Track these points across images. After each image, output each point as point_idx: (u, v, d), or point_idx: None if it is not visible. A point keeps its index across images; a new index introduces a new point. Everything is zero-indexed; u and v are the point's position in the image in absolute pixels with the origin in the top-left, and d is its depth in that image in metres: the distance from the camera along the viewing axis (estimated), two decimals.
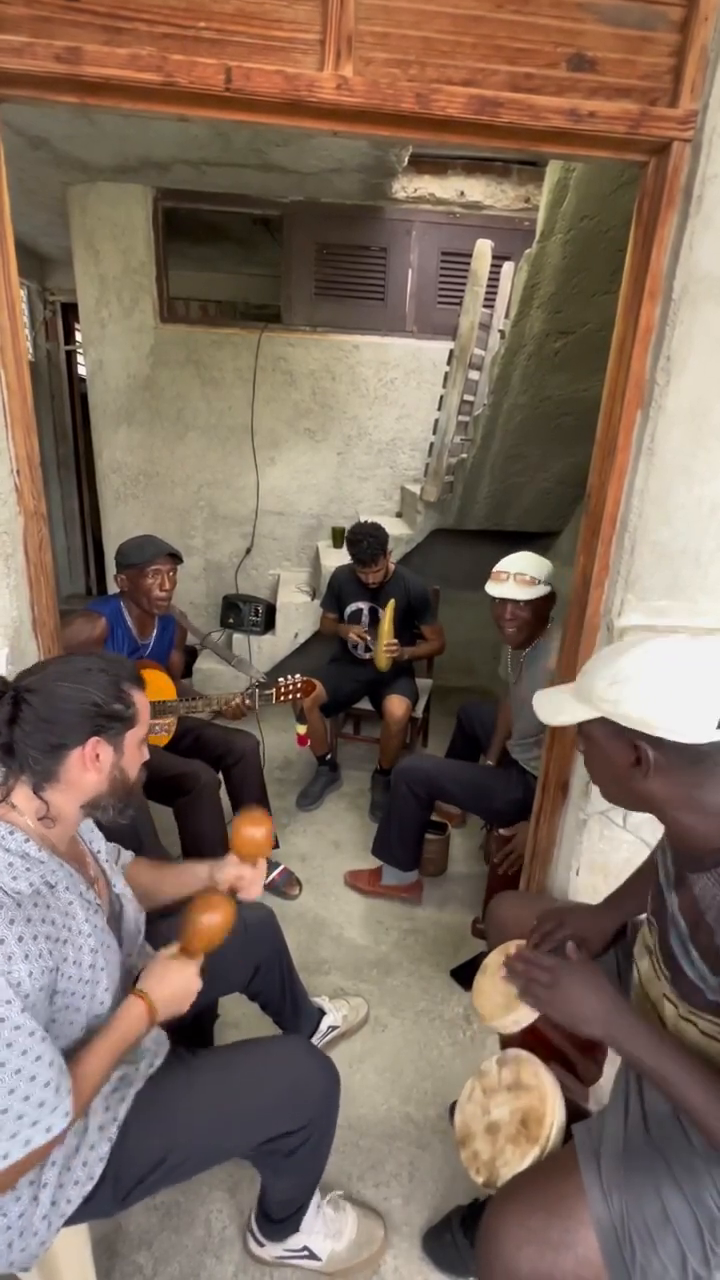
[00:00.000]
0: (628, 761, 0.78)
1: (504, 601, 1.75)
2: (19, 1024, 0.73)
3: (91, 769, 0.87)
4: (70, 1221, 0.86)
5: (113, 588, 1.91)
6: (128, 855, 1.15)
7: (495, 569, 1.78)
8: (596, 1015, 0.80)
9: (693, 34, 1.01)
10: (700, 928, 0.79)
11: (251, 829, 1.09)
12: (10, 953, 0.74)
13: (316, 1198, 1.15)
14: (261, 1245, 1.16)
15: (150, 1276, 1.15)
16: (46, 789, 0.86)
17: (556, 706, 0.85)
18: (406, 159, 2.70)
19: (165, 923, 1.13)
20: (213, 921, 0.96)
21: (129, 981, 0.98)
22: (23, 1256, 0.83)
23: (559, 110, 1.03)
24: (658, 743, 0.74)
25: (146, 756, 0.97)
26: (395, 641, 2.40)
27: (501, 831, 1.86)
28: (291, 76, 1.00)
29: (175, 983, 0.93)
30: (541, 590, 1.72)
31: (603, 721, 0.79)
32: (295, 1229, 1.13)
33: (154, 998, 0.90)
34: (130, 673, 0.93)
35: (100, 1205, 0.88)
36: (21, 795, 0.85)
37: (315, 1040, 1.51)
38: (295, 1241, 1.14)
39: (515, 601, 1.73)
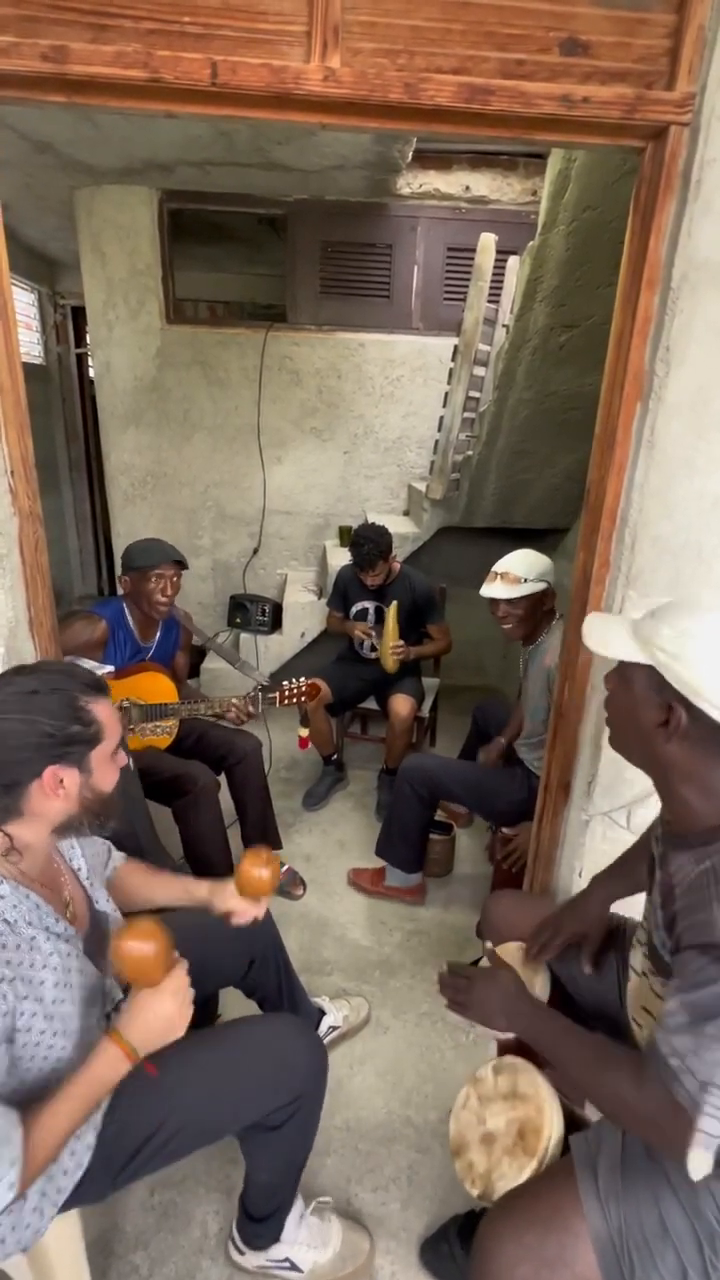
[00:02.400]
0: (655, 719, 0.76)
1: (495, 600, 1.75)
2: None
3: (55, 797, 0.81)
4: (64, 1206, 0.86)
5: (121, 590, 1.92)
6: (119, 856, 1.15)
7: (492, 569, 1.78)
8: (501, 1010, 0.89)
9: (689, 14, 0.98)
10: (670, 899, 0.79)
11: (258, 870, 1.04)
12: None
13: (300, 1206, 1.13)
14: (242, 1253, 1.14)
15: (146, 1276, 1.15)
16: (10, 823, 0.81)
17: (606, 636, 0.81)
18: (410, 154, 2.67)
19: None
20: (140, 951, 0.82)
21: (108, 1000, 0.96)
22: (14, 1247, 0.83)
23: (551, 96, 1.00)
24: (695, 711, 0.72)
25: (124, 763, 0.92)
26: (401, 643, 2.39)
27: (505, 831, 1.84)
28: (278, 69, 0.98)
29: (148, 1016, 0.82)
30: (529, 588, 1.71)
31: (649, 670, 0.76)
32: (277, 1237, 1.11)
33: (129, 1037, 0.81)
34: (86, 683, 0.86)
35: (92, 1187, 0.88)
36: None
37: None
38: (277, 1252, 1.12)
39: (504, 600, 1.73)
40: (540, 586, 1.72)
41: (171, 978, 0.84)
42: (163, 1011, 0.83)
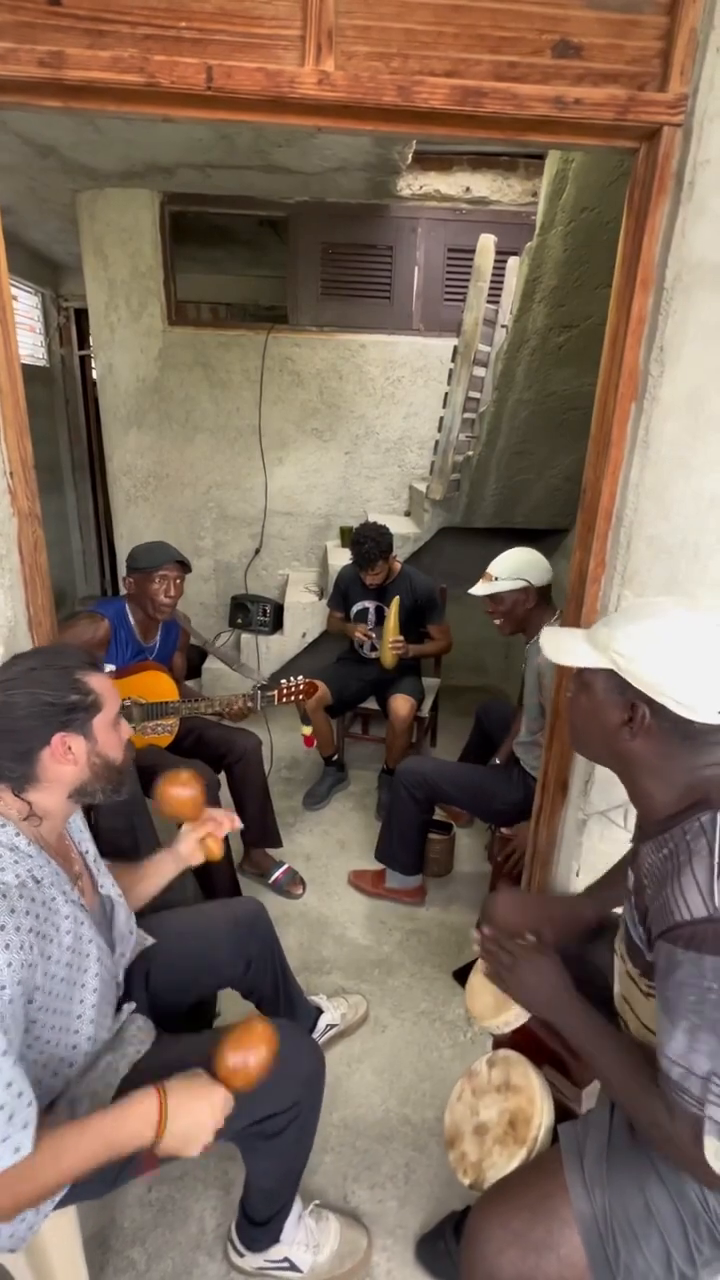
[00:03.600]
0: (619, 719, 0.78)
1: (483, 598, 1.80)
2: None
3: (66, 762, 0.87)
4: (62, 1203, 0.87)
5: (125, 590, 1.94)
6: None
7: None
8: (542, 994, 0.90)
9: (681, 16, 0.98)
10: (641, 891, 0.80)
11: (175, 789, 1.11)
12: None
13: (298, 1206, 1.13)
14: (242, 1255, 1.14)
15: (143, 1272, 1.16)
16: (28, 790, 0.87)
17: (564, 646, 0.84)
18: (410, 156, 2.68)
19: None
20: (251, 1062, 0.83)
21: (117, 988, 0.98)
22: (11, 1241, 0.84)
23: (543, 98, 1.01)
24: (657, 708, 0.75)
25: (129, 733, 0.98)
26: (401, 639, 2.39)
27: (504, 831, 1.84)
28: (273, 73, 0.99)
29: (200, 1106, 0.80)
30: (500, 586, 1.74)
31: (609, 674, 0.79)
32: (276, 1238, 1.11)
33: (171, 1106, 0.78)
34: (80, 660, 0.92)
35: (91, 1186, 0.88)
36: (5, 798, 0.87)
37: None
38: (276, 1253, 1.12)
39: (484, 596, 1.78)
40: (515, 585, 1.74)
41: (219, 1091, 0.82)
42: (210, 1107, 0.80)
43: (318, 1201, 1.22)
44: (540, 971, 0.92)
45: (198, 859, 1.17)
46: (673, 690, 0.73)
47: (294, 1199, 1.12)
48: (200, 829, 1.17)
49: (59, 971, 0.84)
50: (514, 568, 1.75)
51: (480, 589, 1.79)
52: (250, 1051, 0.84)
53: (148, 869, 1.17)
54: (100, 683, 0.92)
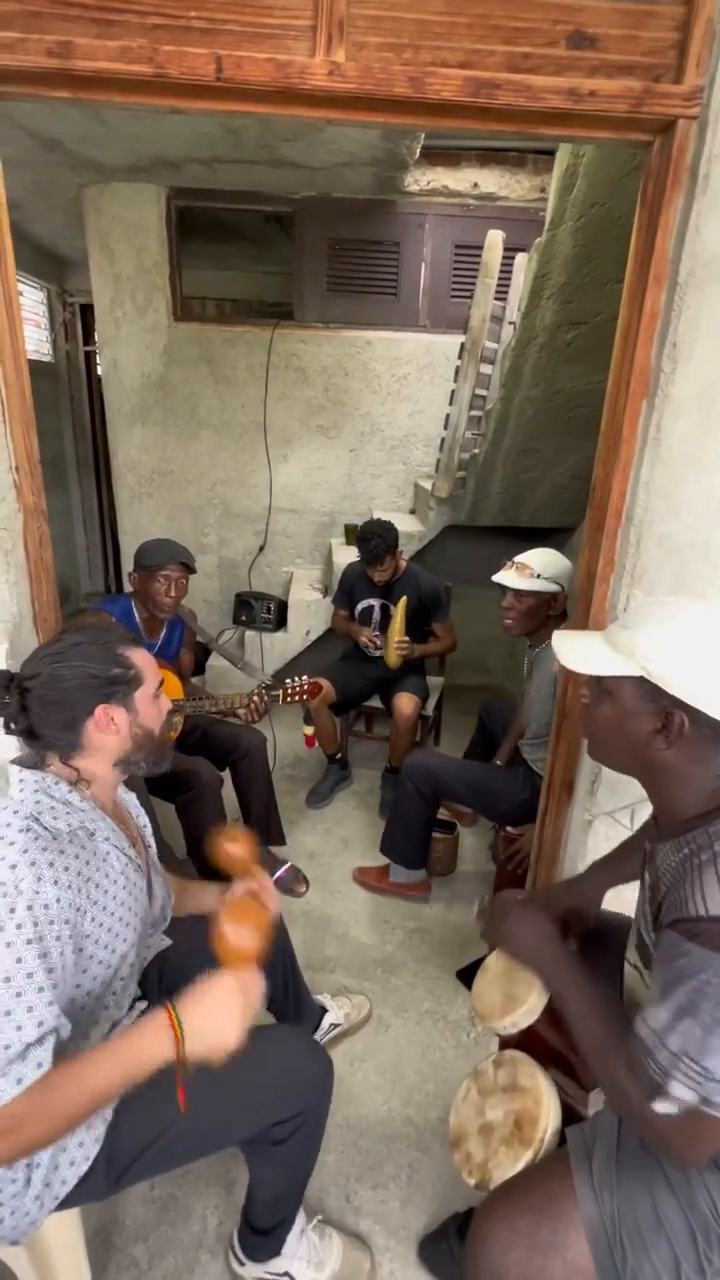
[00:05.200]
0: (651, 728, 0.75)
1: (504, 589, 1.73)
2: (20, 957, 0.74)
3: (109, 732, 0.91)
4: (64, 1204, 0.87)
5: (130, 586, 1.93)
6: None
7: None
8: (528, 944, 0.93)
9: (698, 6, 0.97)
10: (657, 890, 0.80)
11: (229, 845, 1.07)
12: (40, 874, 0.78)
13: (301, 1220, 1.12)
14: (242, 1264, 1.12)
15: (145, 1270, 1.16)
16: (74, 758, 0.91)
17: (584, 654, 0.81)
18: (418, 151, 2.66)
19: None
20: (240, 940, 0.87)
21: (147, 953, 1.01)
22: (11, 1234, 0.84)
23: (557, 90, 0.99)
24: (695, 715, 0.72)
25: (168, 707, 1.01)
26: (406, 639, 2.38)
27: (509, 830, 1.83)
28: (283, 64, 0.98)
29: (214, 1010, 0.79)
30: (539, 584, 1.68)
31: (637, 681, 0.75)
32: (277, 1250, 1.10)
33: (185, 1021, 0.78)
34: (121, 636, 0.95)
35: (94, 1187, 0.88)
36: (55, 765, 0.91)
37: (317, 1038, 1.50)
38: (277, 1266, 1.11)
39: (512, 590, 1.71)
40: (551, 587, 1.69)
41: (250, 976, 0.84)
42: (227, 1006, 0.80)
43: (320, 1217, 1.20)
44: (526, 922, 0.95)
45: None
46: (706, 692, 0.70)
47: (297, 1210, 1.10)
48: (248, 884, 1.10)
49: (106, 920, 0.87)
50: (555, 568, 1.69)
51: (512, 580, 1.70)
52: (245, 926, 0.88)
53: (191, 889, 1.20)
54: (142, 658, 0.96)
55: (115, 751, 0.94)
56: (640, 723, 0.76)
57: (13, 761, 0.91)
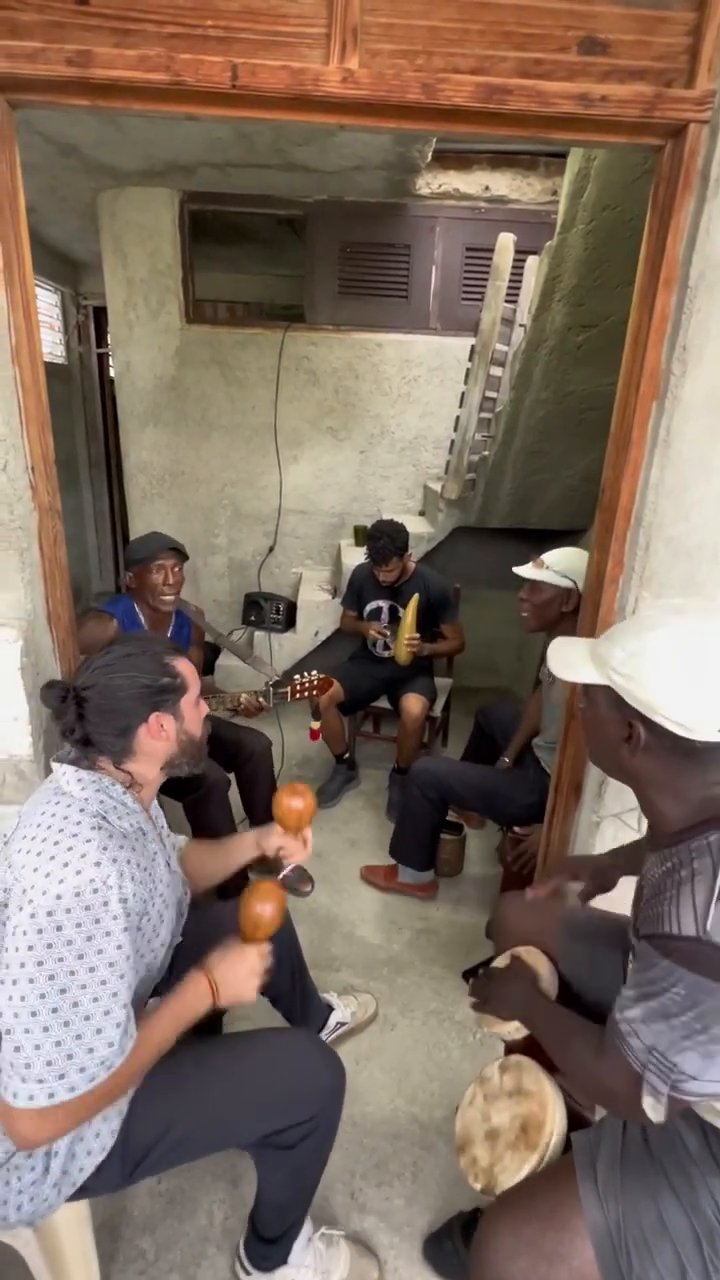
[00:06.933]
0: (620, 735, 0.78)
1: (522, 582, 1.75)
2: (120, 944, 0.82)
3: (160, 739, 0.96)
4: (80, 1194, 0.89)
5: (128, 586, 1.93)
6: (180, 838, 1.22)
7: None
8: (514, 1001, 0.98)
9: (710, 11, 0.97)
10: (639, 900, 0.82)
11: (292, 799, 1.16)
12: (122, 871, 0.83)
13: (308, 1229, 1.11)
14: (249, 1274, 1.11)
15: (152, 1261, 1.17)
16: (126, 762, 0.95)
17: (569, 661, 0.84)
18: (430, 154, 2.68)
19: (223, 906, 1.25)
20: (265, 911, 1.02)
21: (174, 943, 1.06)
22: (29, 1217, 0.86)
23: (569, 95, 1.00)
24: (654, 727, 0.74)
25: (206, 710, 1.05)
26: (417, 636, 2.39)
27: (516, 830, 1.83)
28: (297, 71, 1.00)
29: (237, 967, 0.97)
30: (549, 576, 1.69)
31: (608, 690, 0.78)
32: (284, 1259, 1.09)
33: (216, 977, 0.95)
34: (166, 646, 1.01)
35: (108, 1178, 0.90)
36: (109, 769, 0.95)
37: (323, 1036, 1.51)
38: (283, 1275, 1.10)
39: (528, 582, 1.73)
40: (563, 582, 1.69)
41: (262, 946, 1.00)
42: (246, 965, 0.98)
43: (325, 1227, 1.19)
44: (510, 983, 1.01)
45: (270, 853, 1.22)
46: (668, 709, 0.71)
47: (305, 1218, 1.10)
48: (289, 838, 1.20)
49: (155, 914, 0.95)
50: (569, 565, 1.70)
51: (528, 571, 1.73)
52: (262, 905, 1.01)
53: (231, 844, 1.25)
54: (185, 666, 1.01)
55: (164, 756, 0.98)
56: (610, 730, 0.79)
57: (57, 760, 0.94)
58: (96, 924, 0.80)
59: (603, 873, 1.12)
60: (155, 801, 1.11)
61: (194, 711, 1.01)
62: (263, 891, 1.03)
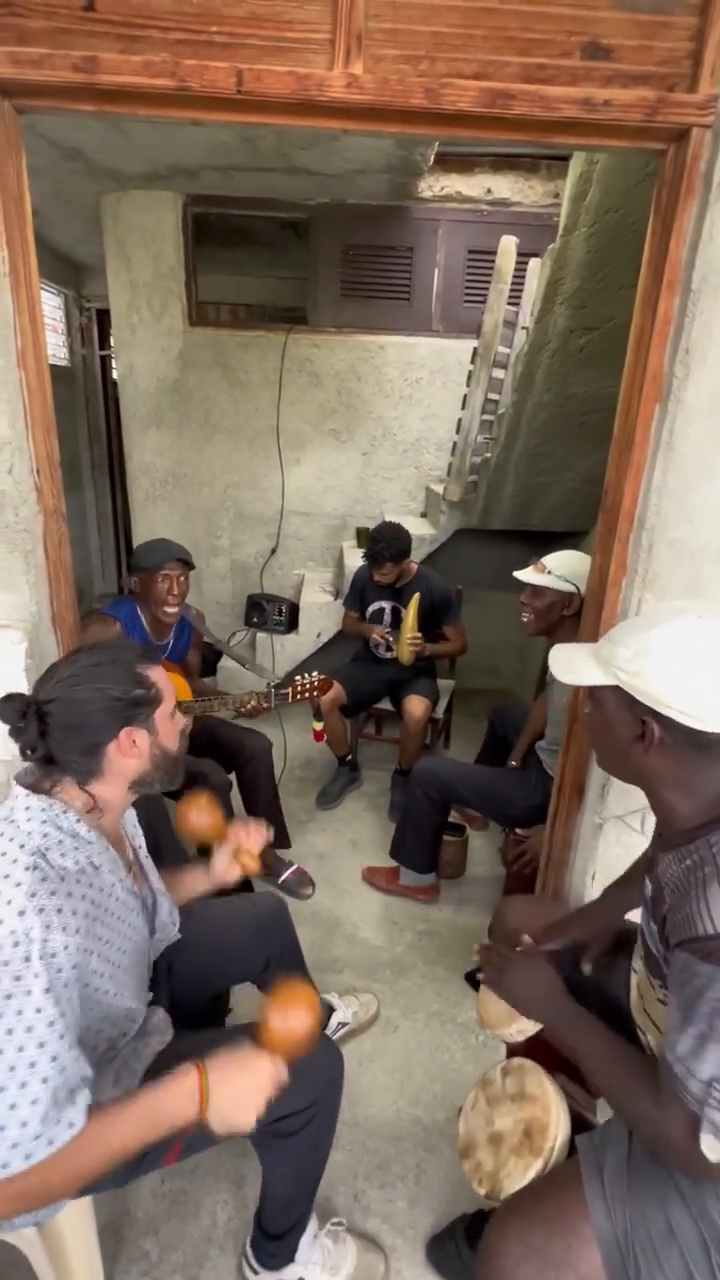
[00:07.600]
0: (632, 734, 0.78)
1: (524, 584, 1.75)
2: (40, 1006, 0.71)
3: (131, 756, 0.88)
4: (84, 1190, 0.87)
5: (131, 590, 1.93)
6: None
7: None
8: (532, 997, 0.92)
9: (713, 16, 0.98)
10: (660, 901, 0.80)
11: (193, 816, 1.13)
12: (49, 922, 0.74)
13: (314, 1225, 1.11)
14: (256, 1274, 1.11)
15: (155, 1263, 1.17)
16: (91, 782, 0.88)
17: (573, 665, 0.84)
18: (432, 157, 2.69)
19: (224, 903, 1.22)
20: (298, 1026, 0.84)
21: (150, 972, 1.00)
22: (33, 1217, 0.85)
23: (572, 100, 1.01)
24: (667, 722, 0.73)
25: (182, 723, 0.98)
26: (419, 635, 2.39)
27: (518, 831, 1.83)
28: (302, 77, 1.00)
29: (241, 1080, 0.79)
30: (549, 580, 1.69)
31: (616, 690, 0.78)
32: (291, 1256, 1.09)
33: (210, 1084, 0.78)
34: (139, 654, 0.93)
35: (111, 1176, 0.88)
36: (69, 790, 0.87)
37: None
38: (291, 1273, 1.10)
39: (530, 586, 1.73)
40: (564, 586, 1.69)
41: (276, 1066, 0.82)
42: (253, 1080, 0.80)
43: (335, 1220, 1.19)
44: (532, 973, 0.94)
45: (234, 875, 1.17)
46: (678, 702, 0.72)
47: (310, 1213, 1.10)
48: (229, 847, 1.16)
49: (112, 955, 0.85)
50: (570, 569, 1.70)
51: (528, 576, 1.73)
52: (293, 1013, 0.84)
53: (183, 880, 1.18)
54: (159, 675, 0.92)
55: (134, 774, 0.90)
56: (622, 730, 0.79)
57: (17, 779, 0.86)
58: (16, 981, 0.70)
59: (605, 933, 1.10)
60: (132, 816, 1.05)
61: (169, 724, 0.93)
62: (285, 995, 0.85)
